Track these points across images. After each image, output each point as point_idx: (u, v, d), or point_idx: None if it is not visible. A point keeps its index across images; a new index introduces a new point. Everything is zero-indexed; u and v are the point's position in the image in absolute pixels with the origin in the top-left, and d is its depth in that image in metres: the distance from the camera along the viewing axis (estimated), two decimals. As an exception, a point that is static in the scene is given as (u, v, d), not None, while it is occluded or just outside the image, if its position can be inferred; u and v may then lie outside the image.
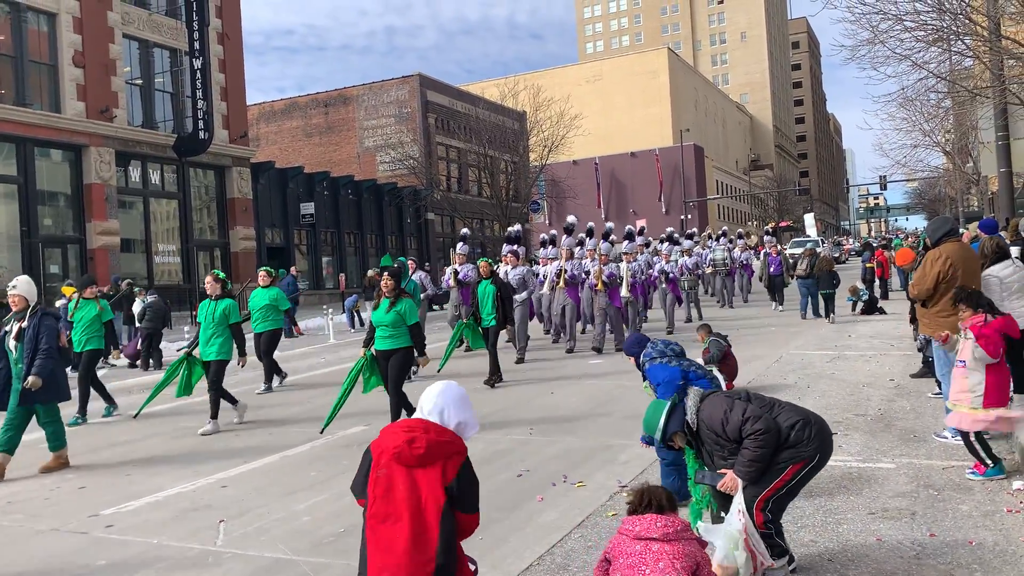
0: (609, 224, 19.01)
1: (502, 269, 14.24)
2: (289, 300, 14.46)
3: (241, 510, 6.02)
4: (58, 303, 17.69)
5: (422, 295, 15.07)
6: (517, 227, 16.59)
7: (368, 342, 8.51)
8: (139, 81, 27.90)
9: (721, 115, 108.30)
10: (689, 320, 18.59)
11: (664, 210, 72.26)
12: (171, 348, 17.49)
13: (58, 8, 24.74)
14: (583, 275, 14.78)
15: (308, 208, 35.65)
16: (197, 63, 27.57)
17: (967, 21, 14.29)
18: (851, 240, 73.78)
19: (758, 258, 24.24)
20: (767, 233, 24.64)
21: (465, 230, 18.07)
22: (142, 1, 28.14)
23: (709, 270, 23.83)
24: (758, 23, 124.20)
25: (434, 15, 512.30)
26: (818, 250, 22.51)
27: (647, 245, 20.50)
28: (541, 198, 55.73)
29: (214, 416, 9.06)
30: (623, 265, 15.10)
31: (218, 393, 9.20)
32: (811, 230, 56.51)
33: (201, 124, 27.67)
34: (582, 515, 5.40)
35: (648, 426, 4.41)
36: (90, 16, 25.54)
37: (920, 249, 23.85)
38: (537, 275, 15.68)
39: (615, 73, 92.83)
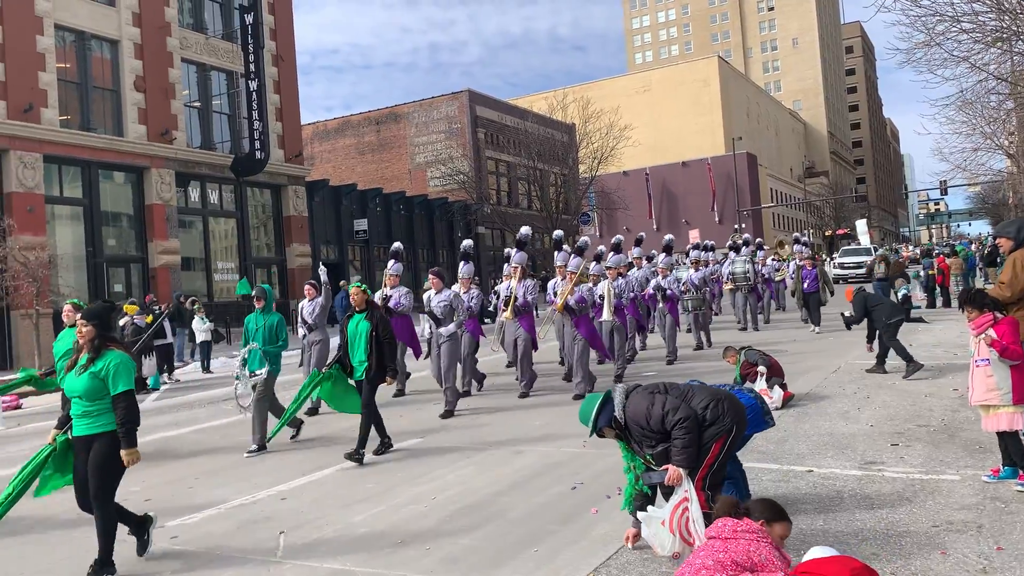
0: (668, 236, 17.61)
1: (425, 295, 11.40)
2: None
3: (300, 521, 6.12)
4: (121, 321, 18.27)
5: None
6: (398, 244, 13.12)
7: (63, 422, 5.54)
8: (197, 104, 28.67)
9: (774, 122, 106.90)
10: (699, 347, 15.77)
11: (717, 219, 71.51)
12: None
13: (120, 35, 25.60)
14: (551, 296, 12.16)
15: (361, 224, 36.18)
16: (253, 85, 28.25)
17: (1028, 20, 13.93)
18: (911, 247, 71.88)
19: (788, 271, 21.29)
20: (796, 242, 21.27)
21: (397, 244, 13.29)
22: (199, 26, 28.96)
23: (728, 286, 20.39)
24: (810, 29, 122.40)
25: (477, 30, 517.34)
26: (882, 251, 21.54)
27: (649, 259, 17.88)
28: (591, 210, 55.61)
29: None
30: (604, 284, 12.61)
31: None
32: (863, 237, 54.66)
33: (257, 144, 28.33)
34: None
35: (583, 418, 4.87)
36: (150, 42, 26.38)
37: (985, 251, 23.18)
38: (498, 296, 13.22)
39: (665, 83, 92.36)
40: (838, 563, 3.32)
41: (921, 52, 14.60)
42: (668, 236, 18.04)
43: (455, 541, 5.45)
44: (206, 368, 18.65)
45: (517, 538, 5.40)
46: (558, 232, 13.41)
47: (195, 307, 19.74)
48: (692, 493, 4.49)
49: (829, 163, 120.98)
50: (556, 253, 12.35)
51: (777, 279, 22.13)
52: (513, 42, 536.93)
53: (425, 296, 11.25)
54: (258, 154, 28.37)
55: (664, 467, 4.64)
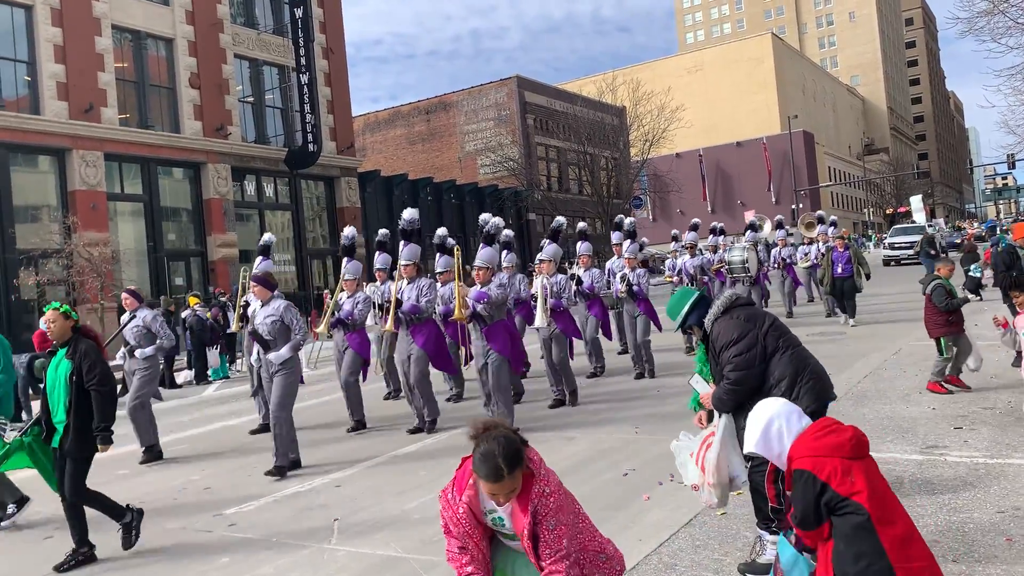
0: (629, 220, 13.91)
1: (250, 309, 8.87)
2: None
3: (354, 509, 6.20)
4: (184, 313, 18.75)
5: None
6: (269, 236, 10.98)
7: None
8: (250, 99, 29.13)
9: (831, 99, 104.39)
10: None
11: (774, 200, 70.21)
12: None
13: (175, 33, 26.13)
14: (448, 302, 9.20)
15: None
16: (304, 78, 28.61)
17: (1098, -17, 13.31)
18: (976, 224, 69.41)
19: (812, 256, 19.20)
20: (820, 221, 19.03)
21: (269, 235, 11.15)
22: (250, 22, 29.38)
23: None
24: (867, 2, 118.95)
25: (518, 15, 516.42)
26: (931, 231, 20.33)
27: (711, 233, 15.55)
28: (643, 193, 55.04)
29: None
30: (538, 281, 10.10)
31: None
32: (918, 215, 52.14)
33: (310, 137, 28.72)
34: (690, 514, 5.31)
35: (671, 311, 4.75)
36: (204, 39, 26.87)
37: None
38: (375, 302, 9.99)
39: (717, 62, 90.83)
40: (831, 430, 3.18)
41: (983, 20, 14.08)
42: (629, 219, 14.00)
43: (506, 528, 5.46)
44: (265, 358, 19.00)
45: (568, 525, 5.38)
46: (484, 216, 10.28)
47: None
48: (721, 431, 4.34)
49: (889, 139, 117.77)
50: (482, 247, 9.32)
51: (804, 265, 19.36)
52: (555, 26, 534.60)
53: (250, 310, 8.81)
54: (311, 147, 28.76)
55: (711, 385, 4.64)
